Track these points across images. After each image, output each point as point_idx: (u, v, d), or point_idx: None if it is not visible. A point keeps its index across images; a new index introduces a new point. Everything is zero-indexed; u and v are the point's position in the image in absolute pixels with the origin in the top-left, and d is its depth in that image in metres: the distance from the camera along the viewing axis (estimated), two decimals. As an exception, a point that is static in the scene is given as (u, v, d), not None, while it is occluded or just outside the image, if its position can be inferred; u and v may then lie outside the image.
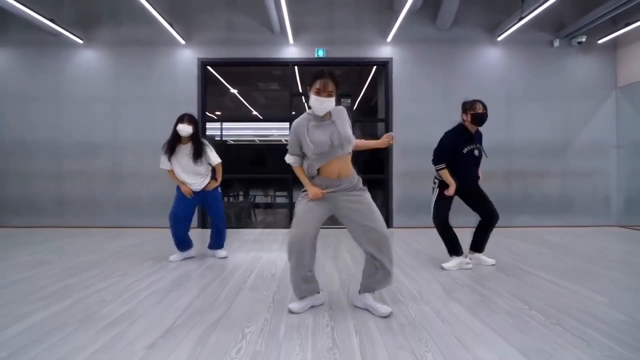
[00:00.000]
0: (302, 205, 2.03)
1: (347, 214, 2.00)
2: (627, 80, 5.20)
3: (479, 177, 3.05)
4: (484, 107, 2.87)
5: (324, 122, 1.96)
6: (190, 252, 3.34)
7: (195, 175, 3.12)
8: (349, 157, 2.05)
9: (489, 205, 2.97)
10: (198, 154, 3.06)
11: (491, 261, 3.07)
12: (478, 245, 3.10)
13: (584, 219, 5.27)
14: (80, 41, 5.16)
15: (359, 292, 2.11)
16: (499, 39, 5.17)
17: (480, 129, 2.96)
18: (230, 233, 4.83)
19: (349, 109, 5.26)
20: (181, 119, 3.04)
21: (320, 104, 1.89)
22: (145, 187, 5.19)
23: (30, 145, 5.20)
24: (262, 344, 1.64)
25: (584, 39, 5.16)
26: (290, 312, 2.01)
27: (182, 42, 5.17)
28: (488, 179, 5.29)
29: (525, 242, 4.10)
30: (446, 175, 2.85)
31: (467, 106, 2.89)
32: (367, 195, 2.05)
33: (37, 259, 3.29)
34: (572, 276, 2.74)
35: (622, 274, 2.81)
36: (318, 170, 2.02)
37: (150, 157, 5.13)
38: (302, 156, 2.05)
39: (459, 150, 2.86)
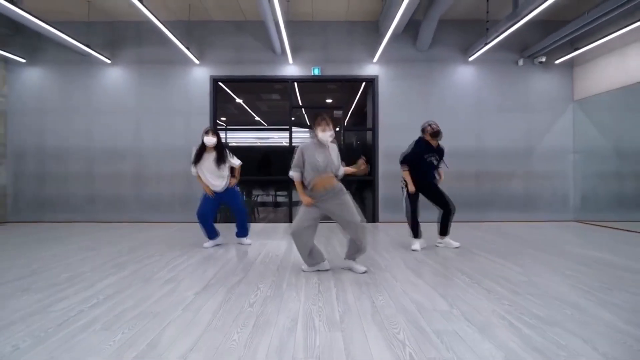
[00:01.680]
0: (302, 208, 2.95)
1: (334, 211, 2.88)
2: (583, 94, 5.99)
3: (434, 178, 3.90)
4: (437, 125, 3.84)
5: (323, 148, 2.90)
6: (219, 240, 4.11)
7: (218, 177, 3.85)
8: (333, 176, 2.94)
9: (444, 198, 3.86)
10: (222, 160, 3.83)
11: (456, 244, 3.94)
12: (443, 230, 3.97)
13: (545, 215, 6.07)
14: (109, 61, 5.96)
15: (344, 259, 3.07)
16: (471, 59, 5.97)
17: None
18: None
19: (339, 121, 6.05)
20: (207, 132, 3.82)
21: (327, 136, 2.88)
22: (165, 187, 5.98)
23: (66, 151, 6.01)
24: (271, 292, 2.45)
25: (544, 59, 5.96)
26: (303, 270, 2.98)
27: (197, 61, 5.97)
28: (461, 180, 6.13)
29: (487, 234, 4.90)
30: (407, 176, 3.80)
31: (425, 127, 3.85)
32: (347, 197, 2.94)
33: (86, 245, 4.09)
34: (507, 256, 3.54)
35: (547, 254, 3.61)
36: (311, 185, 2.87)
37: (169, 161, 5.95)
38: (302, 173, 2.90)
39: (422, 157, 3.79)
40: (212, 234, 4.04)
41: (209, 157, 3.82)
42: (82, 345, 1.67)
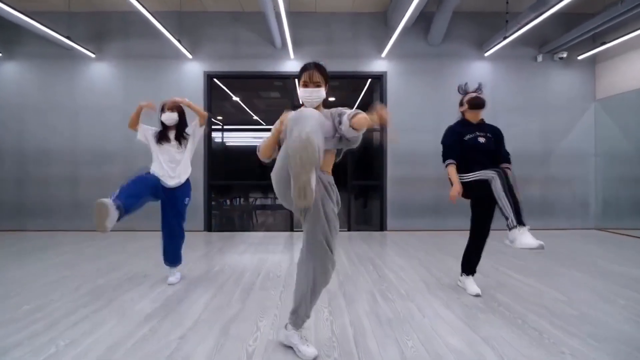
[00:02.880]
0: None
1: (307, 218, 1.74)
2: (605, 93, 5.58)
3: (495, 173, 2.41)
4: (479, 93, 2.68)
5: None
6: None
7: (176, 167, 2.88)
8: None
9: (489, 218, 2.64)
10: (182, 135, 2.90)
11: (476, 290, 2.64)
12: (470, 266, 2.75)
13: (564, 222, 5.67)
14: (93, 55, 5.47)
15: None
16: (486, 54, 5.53)
17: (496, 126, 2.75)
18: (234, 236, 5.21)
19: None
20: (162, 109, 2.91)
21: (309, 94, 1.77)
22: (155, 192, 5.51)
23: (48, 152, 5.52)
24: (273, 333, 2.00)
25: (565, 55, 5.54)
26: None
27: (189, 56, 5.50)
28: (475, 186, 5.65)
29: (506, 245, 4.48)
30: (452, 173, 2.57)
31: (462, 98, 2.74)
32: (327, 200, 1.75)
33: (64, 261, 3.63)
34: (540, 276, 3.12)
35: (582, 273, 3.19)
36: None
37: (159, 164, 5.48)
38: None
39: (461, 140, 2.59)
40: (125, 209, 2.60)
41: (170, 142, 2.87)
42: None
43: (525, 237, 2.40)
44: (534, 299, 2.57)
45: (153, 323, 2.15)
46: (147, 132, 3.00)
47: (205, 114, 2.95)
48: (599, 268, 3.42)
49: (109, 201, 2.45)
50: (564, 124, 5.70)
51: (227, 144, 6.54)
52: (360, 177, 6.06)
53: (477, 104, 2.63)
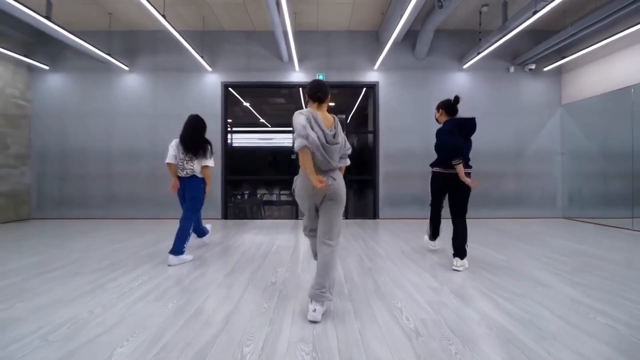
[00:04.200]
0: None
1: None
2: (570, 99, 6.42)
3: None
4: (454, 99, 3.28)
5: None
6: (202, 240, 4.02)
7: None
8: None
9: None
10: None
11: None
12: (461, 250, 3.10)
13: (535, 212, 6.50)
14: (127, 68, 6.37)
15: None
16: (465, 66, 6.39)
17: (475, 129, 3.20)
18: (245, 222, 6.07)
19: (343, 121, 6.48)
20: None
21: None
22: (178, 186, 6.38)
23: (86, 152, 6.41)
24: (288, 274, 2.86)
25: (534, 67, 6.38)
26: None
27: (209, 68, 6.39)
28: (454, 180, 6.44)
29: (479, 228, 5.32)
30: (461, 170, 3.00)
31: (438, 105, 3.35)
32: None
33: (113, 239, 4.50)
34: (494, 246, 3.96)
35: (530, 245, 4.03)
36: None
37: (182, 162, 6.36)
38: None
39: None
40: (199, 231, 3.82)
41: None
42: (142, 311, 2.09)
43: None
44: (479, 257, 3.41)
45: (201, 270, 3.01)
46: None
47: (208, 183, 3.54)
48: (545, 242, 4.25)
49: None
50: (533, 126, 6.53)
51: (242, 144, 7.41)
52: (355, 173, 6.91)
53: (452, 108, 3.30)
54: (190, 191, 3.41)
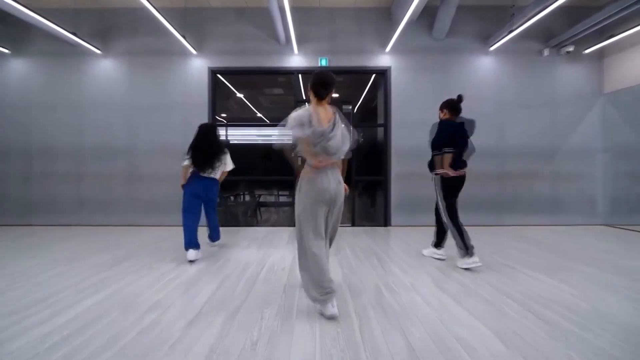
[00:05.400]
0: (307, 207, 2.25)
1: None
2: (613, 87, 5.50)
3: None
4: (457, 98, 3.25)
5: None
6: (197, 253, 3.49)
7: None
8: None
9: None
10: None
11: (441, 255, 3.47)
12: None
13: (572, 219, 5.60)
14: (99, 52, 5.50)
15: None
16: (491, 49, 5.48)
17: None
18: (237, 231, 5.21)
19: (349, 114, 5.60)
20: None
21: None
22: (160, 187, 5.53)
23: (53, 148, 5.56)
24: (278, 323, 1.99)
25: (571, 49, 5.47)
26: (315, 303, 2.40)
27: (194, 52, 5.51)
28: (480, 181, 5.65)
29: (513, 240, 4.44)
30: (448, 160, 3.12)
31: (442, 105, 3.35)
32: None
33: (69, 256, 3.64)
34: (549, 271, 3.07)
35: (594, 268, 3.14)
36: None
37: (164, 160, 5.50)
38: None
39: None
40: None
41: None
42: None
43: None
44: (542, 292, 2.53)
45: (158, 312, 2.15)
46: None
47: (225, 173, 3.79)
48: (609, 263, 3.36)
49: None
50: (571, 119, 5.62)
51: (234, 141, 6.54)
52: (363, 173, 6.03)
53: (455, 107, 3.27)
54: (213, 194, 3.66)
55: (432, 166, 3.35)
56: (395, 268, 3.17)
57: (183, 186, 3.50)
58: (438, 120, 3.42)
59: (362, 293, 2.50)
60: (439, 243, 3.55)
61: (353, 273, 3.01)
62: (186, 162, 3.45)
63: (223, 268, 3.16)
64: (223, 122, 6.34)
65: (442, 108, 3.37)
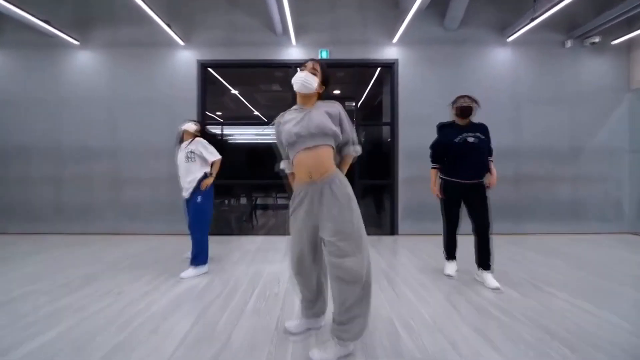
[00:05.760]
0: (292, 227, 1.87)
1: (325, 224, 1.70)
2: (642, 82, 5.02)
3: (482, 174, 2.85)
4: (471, 99, 2.86)
5: (303, 110, 1.80)
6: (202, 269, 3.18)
7: (186, 174, 3.13)
8: (325, 152, 1.73)
9: (486, 210, 2.83)
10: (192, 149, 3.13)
11: (495, 284, 2.71)
12: (484, 261, 2.83)
13: (596, 226, 5.12)
14: (77, 42, 5.02)
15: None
16: (509, 39, 4.99)
17: (488, 126, 2.93)
18: (230, 240, 4.73)
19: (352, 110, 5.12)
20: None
21: (299, 78, 1.77)
22: (146, 192, 5.06)
23: (28, 150, 5.08)
24: (266, 386, 1.51)
25: (597, 40, 4.97)
26: (288, 331, 1.97)
27: (181, 43, 5.02)
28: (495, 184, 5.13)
29: (536, 253, 3.96)
30: (433, 174, 3.06)
31: (454, 101, 2.93)
32: (349, 198, 1.73)
33: (33, 272, 3.17)
34: (589, 294, 2.60)
35: (637, 290, 2.67)
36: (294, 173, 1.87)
37: (150, 161, 5.02)
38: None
39: (450, 142, 2.85)
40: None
41: (184, 148, 3.18)
42: None
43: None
44: (592, 329, 2.05)
45: (110, 366, 1.67)
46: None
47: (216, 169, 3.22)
48: (655, 284, 2.89)
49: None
50: (595, 116, 5.13)
51: (229, 140, 6.06)
52: (368, 176, 5.55)
53: (463, 112, 2.85)
54: None
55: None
56: (409, 292, 2.69)
57: (201, 199, 3.08)
58: (451, 119, 3.02)
59: (372, 332, 2.02)
60: (484, 264, 2.85)
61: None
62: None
63: (206, 293, 2.69)
64: (219, 120, 5.86)
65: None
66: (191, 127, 3.18)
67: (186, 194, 3.12)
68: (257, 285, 2.85)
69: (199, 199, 3.07)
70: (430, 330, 2.05)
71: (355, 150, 1.87)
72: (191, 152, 3.09)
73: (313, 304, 1.98)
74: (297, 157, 1.75)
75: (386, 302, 2.47)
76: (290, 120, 1.78)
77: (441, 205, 3.09)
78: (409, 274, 3.19)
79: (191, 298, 2.57)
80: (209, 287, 2.82)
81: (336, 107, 1.82)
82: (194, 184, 3.07)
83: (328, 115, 1.75)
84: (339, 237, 1.62)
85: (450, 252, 3.13)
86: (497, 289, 2.68)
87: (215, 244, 4.26)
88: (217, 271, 3.25)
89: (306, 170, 1.71)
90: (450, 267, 3.09)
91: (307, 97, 1.81)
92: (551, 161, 5.11)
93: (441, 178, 3.02)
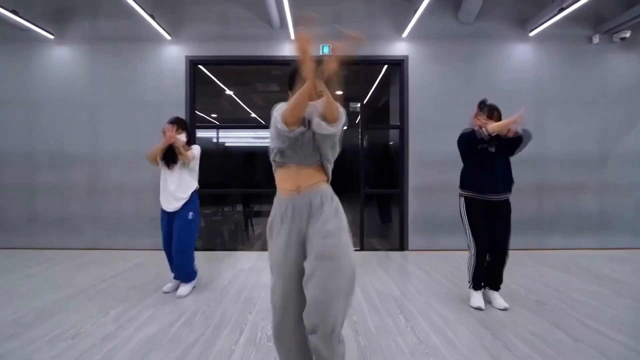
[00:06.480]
0: (272, 252, 1.55)
1: (311, 247, 1.39)
2: (676, 82, 4.55)
3: (507, 186, 2.66)
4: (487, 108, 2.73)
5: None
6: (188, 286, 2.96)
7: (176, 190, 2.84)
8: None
9: (507, 232, 2.63)
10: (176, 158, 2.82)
11: (504, 305, 2.56)
12: (494, 281, 2.68)
13: (625, 240, 4.64)
14: (51, 36, 4.54)
15: None
16: (531, 34, 4.53)
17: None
18: (222, 257, 4.25)
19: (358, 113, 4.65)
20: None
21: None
22: (129, 203, 4.57)
23: (-3, 155, 4.59)
24: None
25: (627, 35, 4.52)
26: None
27: (168, 37, 4.55)
28: (516, 194, 4.64)
29: (563, 272, 3.51)
30: (481, 118, 2.66)
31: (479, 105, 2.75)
32: (339, 219, 1.42)
33: (-19, 303, 2.68)
34: (636, 331, 2.12)
35: None
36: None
37: (133, 169, 4.53)
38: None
39: (473, 149, 2.66)
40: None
41: (177, 164, 2.87)
42: None
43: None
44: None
45: None
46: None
47: (190, 157, 2.82)
48: None
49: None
50: (624, 119, 4.67)
51: (222, 142, 5.59)
52: (376, 185, 5.07)
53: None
54: None
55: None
56: (432, 332, 2.20)
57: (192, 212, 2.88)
58: (470, 125, 2.73)
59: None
60: (494, 286, 2.70)
61: (373, 343, 2.04)
62: None
63: (182, 334, 2.19)
64: (214, 122, 5.39)
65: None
66: (182, 138, 2.86)
67: (177, 205, 2.81)
68: (247, 323, 2.35)
69: (190, 215, 2.85)
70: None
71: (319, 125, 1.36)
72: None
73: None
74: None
75: (408, 352, 1.98)
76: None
77: (465, 224, 2.68)
78: (428, 304, 2.71)
79: (163, 343, 2.07)
80: (187, 326, 2.32)
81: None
82: (186, 198, 2.84)
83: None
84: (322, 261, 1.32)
85: (478, 281, 2.65)
86: (505, 309, 2.53)
87: (204, 263, 3.77)
88: (202, 301, 2.76)
89: (295, 180, 1.46)
90: (478, 299, 2.62)
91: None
92: (576, 168, 4.64)
93: (463, 196, 2.74)
